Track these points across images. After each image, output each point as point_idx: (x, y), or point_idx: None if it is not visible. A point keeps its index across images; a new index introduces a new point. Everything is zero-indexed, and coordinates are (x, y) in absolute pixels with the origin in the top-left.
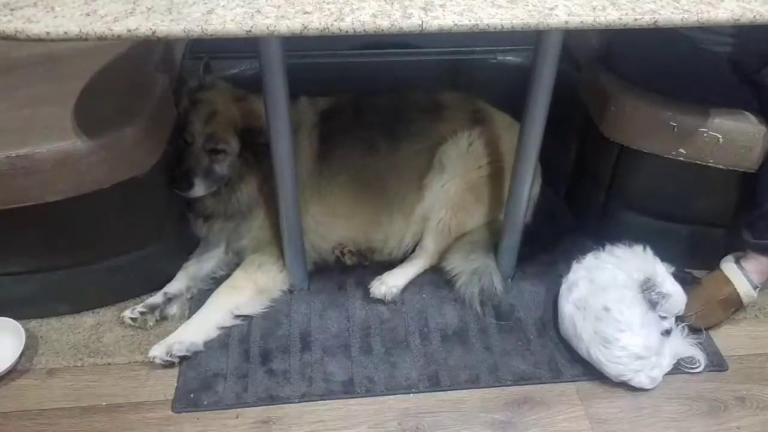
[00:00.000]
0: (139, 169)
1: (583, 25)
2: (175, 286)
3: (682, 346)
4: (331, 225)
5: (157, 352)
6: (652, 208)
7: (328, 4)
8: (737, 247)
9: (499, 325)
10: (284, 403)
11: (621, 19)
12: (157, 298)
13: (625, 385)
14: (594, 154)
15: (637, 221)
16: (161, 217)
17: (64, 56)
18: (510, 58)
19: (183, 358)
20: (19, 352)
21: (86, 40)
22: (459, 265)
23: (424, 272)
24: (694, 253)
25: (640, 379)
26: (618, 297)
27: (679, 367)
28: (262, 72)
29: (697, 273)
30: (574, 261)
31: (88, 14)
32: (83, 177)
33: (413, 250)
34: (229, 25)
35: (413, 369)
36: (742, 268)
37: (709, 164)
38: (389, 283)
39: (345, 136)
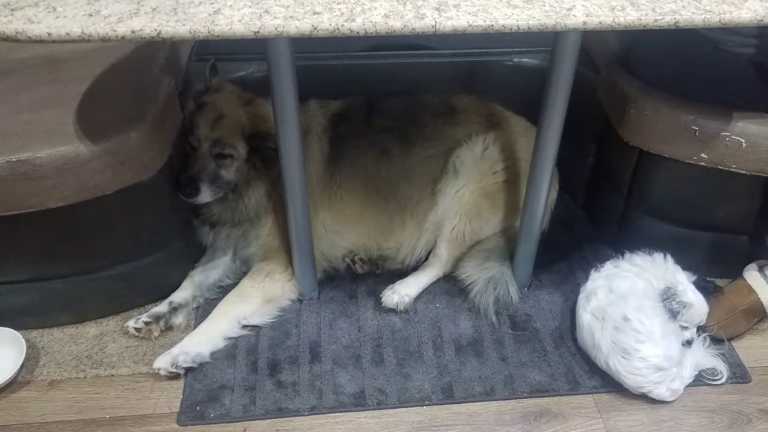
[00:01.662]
0: (143, 175)
1: (602, 26)
2: (180, 295)
3: (703, 357)
4: (342, 232)
5: (162, 363)
6: (673, 215)
7: (338, 4)
8: (761, 255)
9: (515, 335)
10: (293, 415)
11: (641, 19)
12: (161, 307)
13: (644, 398)
14: (613, 158)
15: (658, 228)
16: (166, 223)
17: (66, 58)
18: (526, 60)
19: (189, 370)
20: (20, 364)
21: (89, 41)
22: (473, 273)
23: (438, 281)
24: (716, 261)
25: (661, 391)
26: (638, 306)
27: (700, 379)
28: (270, 74)
29: (719, 282)
30: (593, 269)
31: (90, 15)
32: (86, 183)
33: (426, 258)
34: (237, 25)
35: (426, 381)
36: (765, 277)
37: (732, 169)
38: (401, 292)
39: (356, 140)
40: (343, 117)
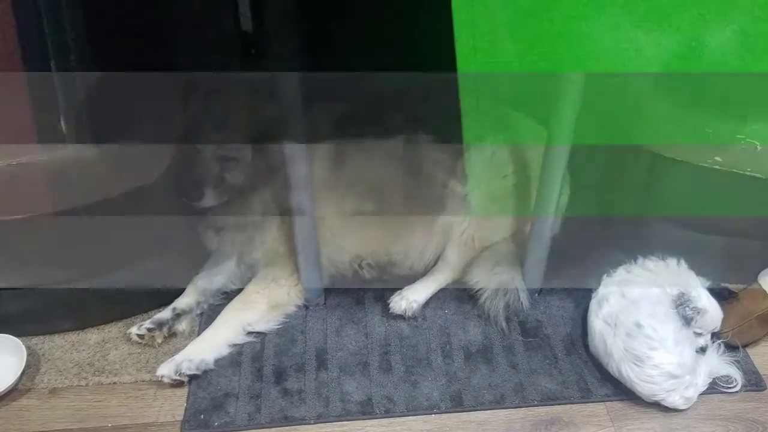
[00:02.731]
0: (146, 178)
1: None
2: (184, 301)
3: (717, 364)
4: (349, 237)
5: (166, 370)
6: (687, 219)
7: None
8: None
9: (526, 342)
10: (299, 424)
11: None
12: (165, 313)
13: (657, 406)
14: (625, 161)
15: (671, 233)
16: (169, 228)
17: None
18: None
19: (192, 377)
20: (20, 371)
21: None
22: (483, 279)
23: (447, 286)
24: (730, 266)
25: (674, 399)
26: (651, 313)
27: (714, 387)
28: (275, 76)
29: (733, 287)
30: (605, 275)
31: None
32: (88, 186)
33: (435, 264)
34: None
35: (435, 388)
36: None
37: (746, 173)
38: (410, 298)
39: (362, 142)
40: (349, 119)
